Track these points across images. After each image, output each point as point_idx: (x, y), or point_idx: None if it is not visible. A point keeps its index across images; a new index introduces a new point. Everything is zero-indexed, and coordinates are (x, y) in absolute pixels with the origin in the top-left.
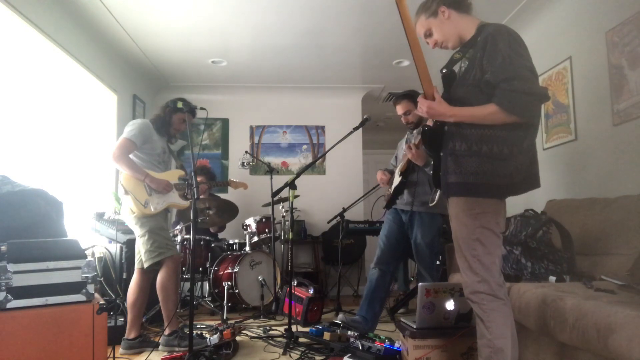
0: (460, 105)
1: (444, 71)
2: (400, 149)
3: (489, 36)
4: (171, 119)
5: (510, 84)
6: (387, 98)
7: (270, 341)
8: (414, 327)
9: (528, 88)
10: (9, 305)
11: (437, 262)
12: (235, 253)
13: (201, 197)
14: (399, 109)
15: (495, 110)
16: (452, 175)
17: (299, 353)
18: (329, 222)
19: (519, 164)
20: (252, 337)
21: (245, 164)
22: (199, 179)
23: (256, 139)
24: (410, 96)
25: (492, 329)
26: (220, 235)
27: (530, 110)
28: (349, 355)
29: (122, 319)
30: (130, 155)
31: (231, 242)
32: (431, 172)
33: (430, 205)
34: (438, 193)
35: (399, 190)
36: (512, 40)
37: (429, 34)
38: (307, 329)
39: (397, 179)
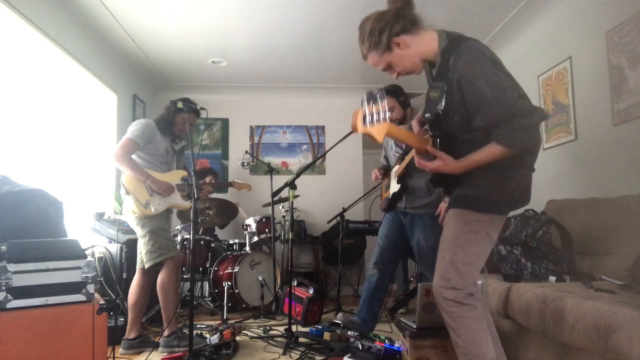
0: (455, 140)
1: (427, 116)
2: (389, 148)
3: (461, 77)
4: (175, 119)
5: (511, 123)
6: None
7: (270, 341)
8: (414, 327)
9: (530, 120)
10: (9, 305)
11: None
12: (235, 253)
13: (208, 196)
14: None
15: (501, 151)
16: (460, 189)
17: (299, 353)
18: (329, 222)
19: (522, 178)
20: (252, 337)
21: (245, 164)
22: (208, 179)
23: (256, 139)
24: (394, 92)
25: (463, 337)
26: (220, 236)
27: (534, 139)
28: (349, 355)
29: (122, 319)
30: (133, 156)
31: (231, 242)
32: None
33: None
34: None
35: (397, 196)
36: (486, 68)
37: (388, 68)
38: (307, 329)
39: (394, 186)
